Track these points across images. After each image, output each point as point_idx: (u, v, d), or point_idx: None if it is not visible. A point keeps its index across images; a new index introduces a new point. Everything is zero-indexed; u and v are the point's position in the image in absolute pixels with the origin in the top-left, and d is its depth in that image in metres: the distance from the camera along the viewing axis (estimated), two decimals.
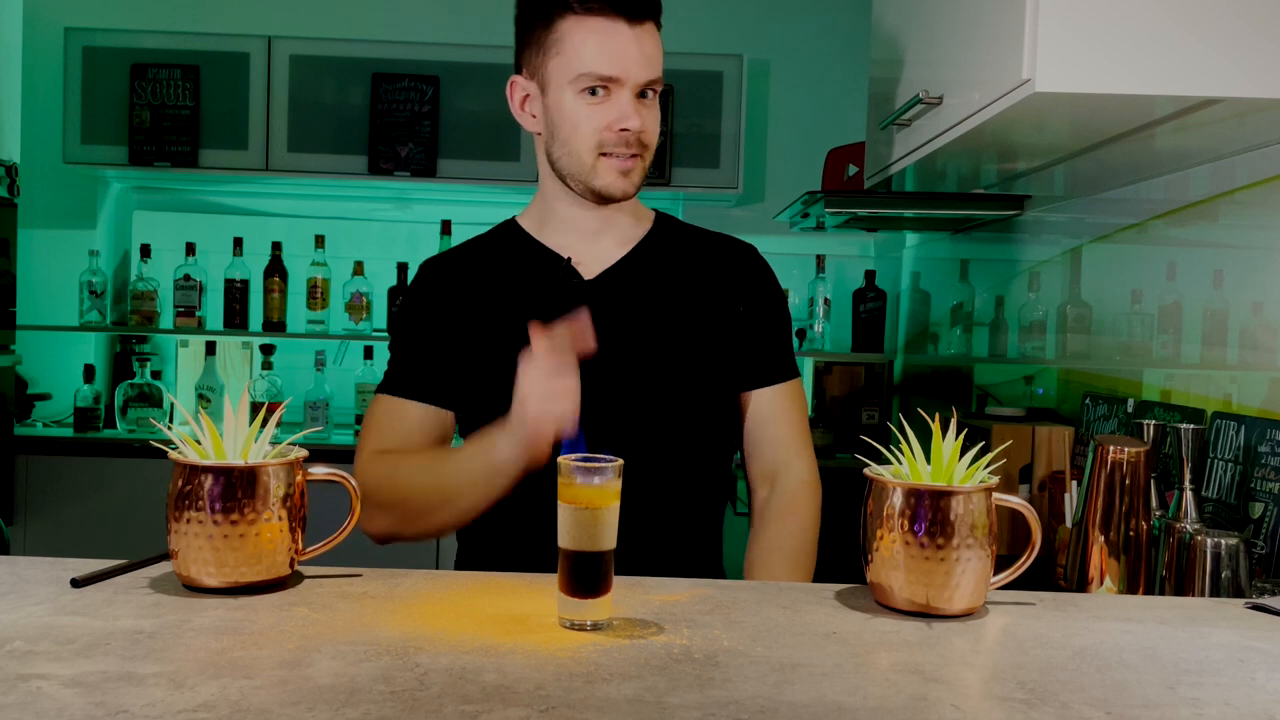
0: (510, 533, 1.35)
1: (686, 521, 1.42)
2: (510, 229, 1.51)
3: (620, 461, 0.96)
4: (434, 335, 1.44)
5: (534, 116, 1.44)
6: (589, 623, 0.92)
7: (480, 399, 1.38)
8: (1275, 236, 1.56)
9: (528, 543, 1.27)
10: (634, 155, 1.40)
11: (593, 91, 1.38)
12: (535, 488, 1.20)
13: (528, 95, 1.44)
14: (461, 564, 1.46)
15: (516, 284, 1.45)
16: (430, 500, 1.35)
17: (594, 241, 1.45)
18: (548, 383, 1.18)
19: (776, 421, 1.46)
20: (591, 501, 0.93)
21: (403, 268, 3.56)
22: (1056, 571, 1.46)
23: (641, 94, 1.40)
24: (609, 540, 0.94)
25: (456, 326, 1.43)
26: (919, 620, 0.97)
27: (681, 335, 1.43)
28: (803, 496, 1.44)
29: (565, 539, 0.94)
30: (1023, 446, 1.99)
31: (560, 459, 0.96)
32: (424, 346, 1.44)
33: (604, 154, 1.39)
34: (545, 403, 1.18)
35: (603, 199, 1.41)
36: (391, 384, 1.44)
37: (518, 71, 1.45)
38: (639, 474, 1.36)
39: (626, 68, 1.36)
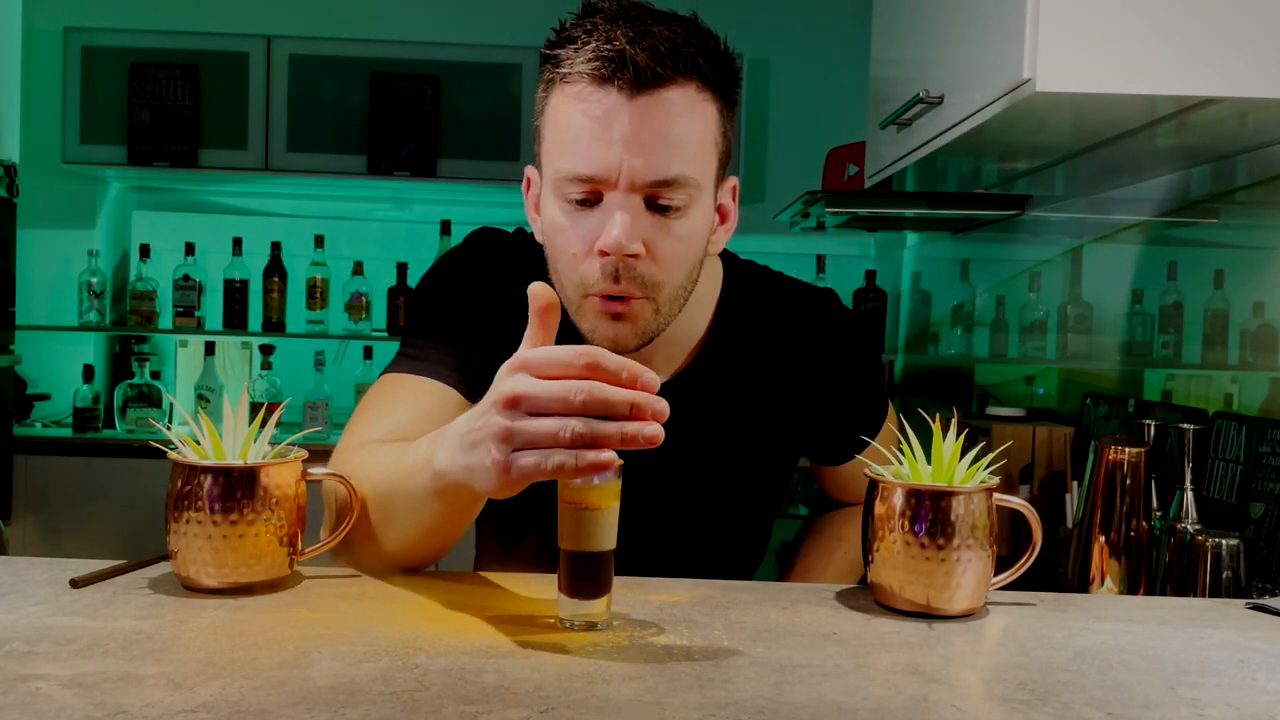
0: (530, 535, 1.26)
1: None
2: None
3: (620, 461, 0.94)
4: (474, 328, 1.14)
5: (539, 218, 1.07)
6: (589, 623, 0.92)
7: None
8: (1276, 236, 1.56)
9: (549, 546, 1.08)
10: (629, 297, 1.02)
11: (581, 202, 1.00)
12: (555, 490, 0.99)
13: (537, 191, 1.07)
14: (480, 568, 1.41)
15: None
16: (380, 501, 1.00)
17: (640, 355, 1.10)
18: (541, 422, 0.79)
19: (865, 467, 1.21)
20: (592, 502, 0.92)
21: (402, 267, 3.56)
22: (1057, 572, 1.46)
23: (659, 205, 1.00)
24: (609, 540, 0.93)
25: (493, 338, 1.08)
26: (919, 621, 0.97)
27: (741, 461, 1.21)
28: None
29: (565, 539, 0.93)
30: (1023, 446, 1.99)
31: None
32: (462, 330, 1.13)
33: (589, 294, 1.03)
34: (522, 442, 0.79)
35: None
36: (408, 363, 1.11)
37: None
38: (683, 556, 1.21)
39: (610, 162, 0.96)
